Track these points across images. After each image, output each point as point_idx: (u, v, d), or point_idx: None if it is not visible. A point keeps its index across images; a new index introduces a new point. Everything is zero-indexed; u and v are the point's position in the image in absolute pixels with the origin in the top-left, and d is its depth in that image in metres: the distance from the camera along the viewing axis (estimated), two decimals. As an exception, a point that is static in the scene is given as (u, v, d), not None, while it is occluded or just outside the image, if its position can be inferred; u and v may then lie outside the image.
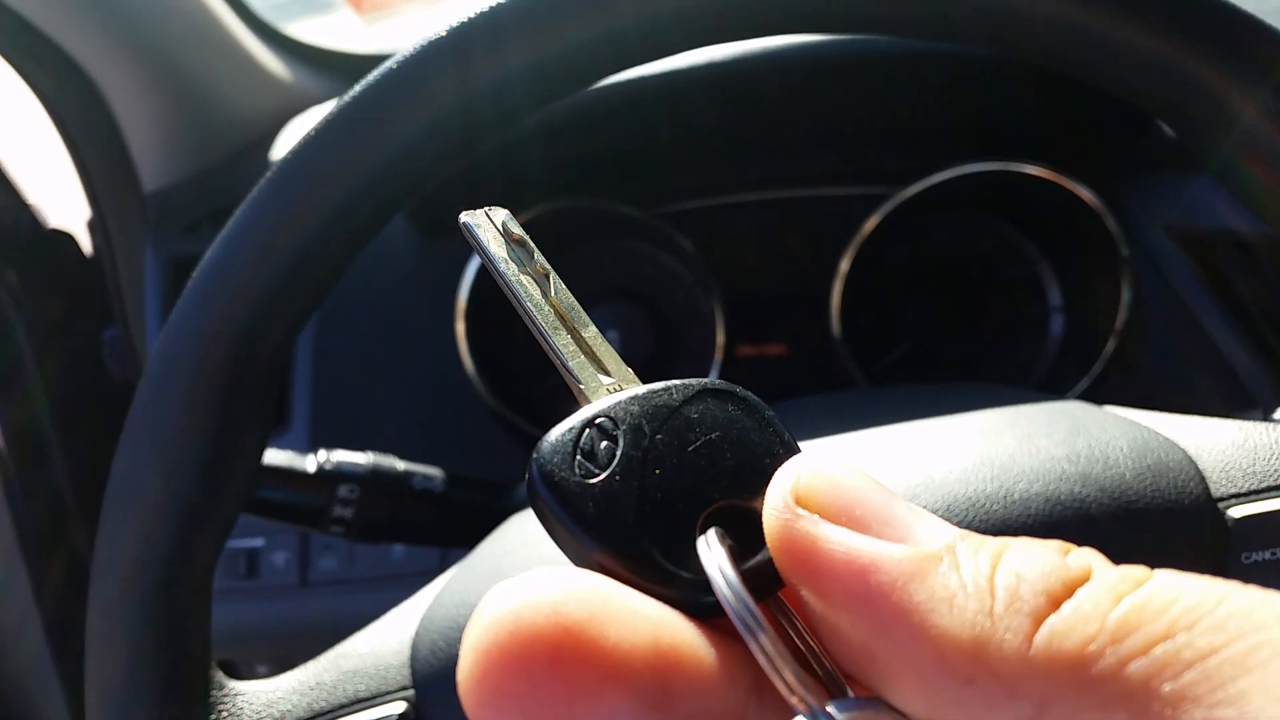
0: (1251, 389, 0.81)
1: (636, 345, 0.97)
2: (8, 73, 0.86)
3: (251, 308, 0.40)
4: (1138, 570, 0.16)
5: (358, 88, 0.41)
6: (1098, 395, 0.89)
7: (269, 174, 0.40)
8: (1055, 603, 0.16)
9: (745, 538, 0.20)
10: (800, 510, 0.18)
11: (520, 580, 0.18)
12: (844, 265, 0.93)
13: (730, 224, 0.98)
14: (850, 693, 0.18)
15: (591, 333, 0.24)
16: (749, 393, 0.22)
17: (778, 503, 0.19)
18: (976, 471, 0.42)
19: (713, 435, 0.21)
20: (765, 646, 0.17)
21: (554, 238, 0.95)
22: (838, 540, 0.18)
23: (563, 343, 0.24)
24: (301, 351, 0.92)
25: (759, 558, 0.20)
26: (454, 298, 0.90)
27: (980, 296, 0.99)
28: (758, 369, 1.00)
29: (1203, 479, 0.41)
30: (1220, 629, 0.15)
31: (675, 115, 0.88)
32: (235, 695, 0.41)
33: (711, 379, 0.22)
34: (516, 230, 0.25)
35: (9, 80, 0.87)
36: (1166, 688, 0.14)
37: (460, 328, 0.91)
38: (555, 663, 0.17)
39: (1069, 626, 0.15)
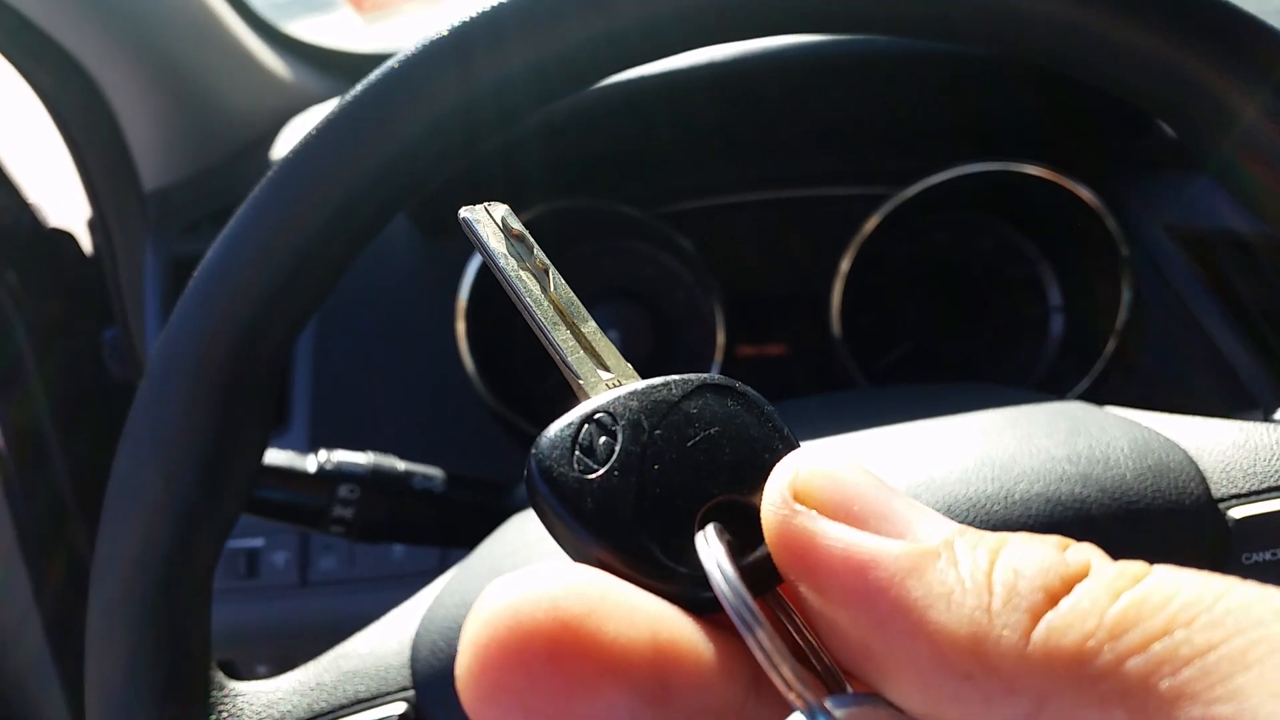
0: (1252, 389, 0.81)
1: (636, 345, 0.97)
2: (8, 71, 0.86)
3: (252, 307, 0.40)
4: (1136, 566, 0.16)
5: (359, 87, 0.41)
6: (1098, 395, 0.89)
7: (270, 173, 0.40)
8: (1053, 599, 0.16)
9: (744, 533, 0.20)
10: (798, 506, 0.18)
11: (519, 575, 0.18)
12: (844, 265, 0.93)
13: (730, 224, 0.98)
14: (849, 688, 0.18)
15: (591, 328, 0.24)
16: (748, 388, 0.22)
17: (775, 498, 0.19)
18: (977, 472, 0.42)
19: (712, 430, 0.21)
20: (763, 642, 0.17)
21: (554, 238, 0.95)
22: (835, 536, 0.18)
23: (562, 338, 0.24)
24: (302, 351, 0.92)
25: (758, 553, 0.20)
26: (454, 297, 0.90)
27: (980, 296, 0.99)
28: (758, 369, 1.00)
29: (1203, 479, 0.41)
30: (1218, 625, 0.15)
31: (675, 115, 0.88)
32: (235, 695, 0.41)
33: (711, 374, 0.22)
34: (516, 225, 0.25)
35: (9, 79, 0.87)
36: (1164, 684, 0.14)
37: (461, 327, 0.91)
38: (554, 657, 0.17)
39: (1067, 623, 0.15)
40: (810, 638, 0.19)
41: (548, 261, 0.25)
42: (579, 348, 0.24)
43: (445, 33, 0.40)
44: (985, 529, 0.19)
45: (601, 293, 0.98)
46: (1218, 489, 0.41)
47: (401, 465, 0.66)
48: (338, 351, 0.92)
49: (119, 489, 0.40)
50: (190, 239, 0.94)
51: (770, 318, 0.99)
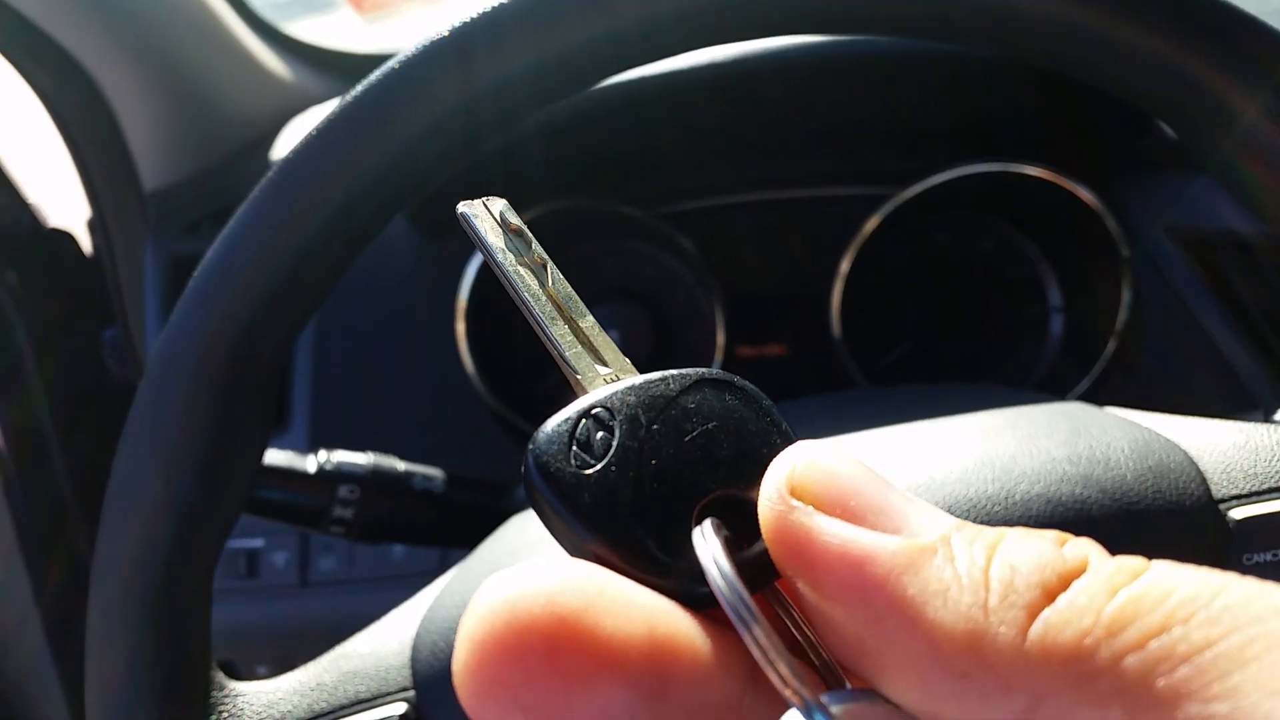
0: (1252, 390, 0.81)
1: (637, 345, 0.97)
2: (8, 72, 0.86)
3: (252, 308, 0.40)
4: (1134, 562, 0.16)
5: (359, 87, 0.41)
6: (1098, 396, 0.89)
7: (270, 173, 0.40)
8: (1050, 595, 0.16)
9: (742, 528, 0.20)
10: (794, 501, 0.18)
11: (516, 571, 0.18)
12: (844, 265, 0.93)
13: (731, 224, 0.98)
14: (847, 684, 0.18)
15: (589, 323, 0.24)
16: (746, 382, 0.22)
17: (772, 494, 0.19)
18: (977, 472, 0.42)
19: (710, 425, 0.21)
20: (759, 638, 0.17)
21: (555, 238, 0.95)
22: (832, 532, 0.18)
23: (560, 333, 0.24)
24: (302, 351, 0.91)
25: (755, 548, 0.19)
26: (454, 298, 0.90)
27: (981, 297, 0.99)
28: (758, 369, 1.00)
29: (1204, 480, 0.41)
30: (1216, 622, 0.15)
31: (676, 115, 0.88)
32: (235, 696, 0.41)
33: (709, 369, 0.22)
34: (514, 220, 0.25)
35: (9, 79, 0.87)
36: (1161, 682, 0.14)
37: (460, 328, 0.91)
38: (550, 653, 0.17)
39: (1064, 620, 0.15)
40: (809, 632, 0.19)
41: (546, 256, 0.25)
42: (577, 343, 0.24)
43: (445, 33, 0.40)
44: None
45: (602, 293, 0.98)
46: (1218, 490, 0.41)
47: (401, 465, 0.66)
48: (338, 352, 0.92)
49: (119, 489, 0.40)
50: (190, 239, 0.94)
51: (770, 318, 0.99)
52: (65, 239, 0.98)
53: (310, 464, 0.62)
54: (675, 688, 0.17)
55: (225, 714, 0.40)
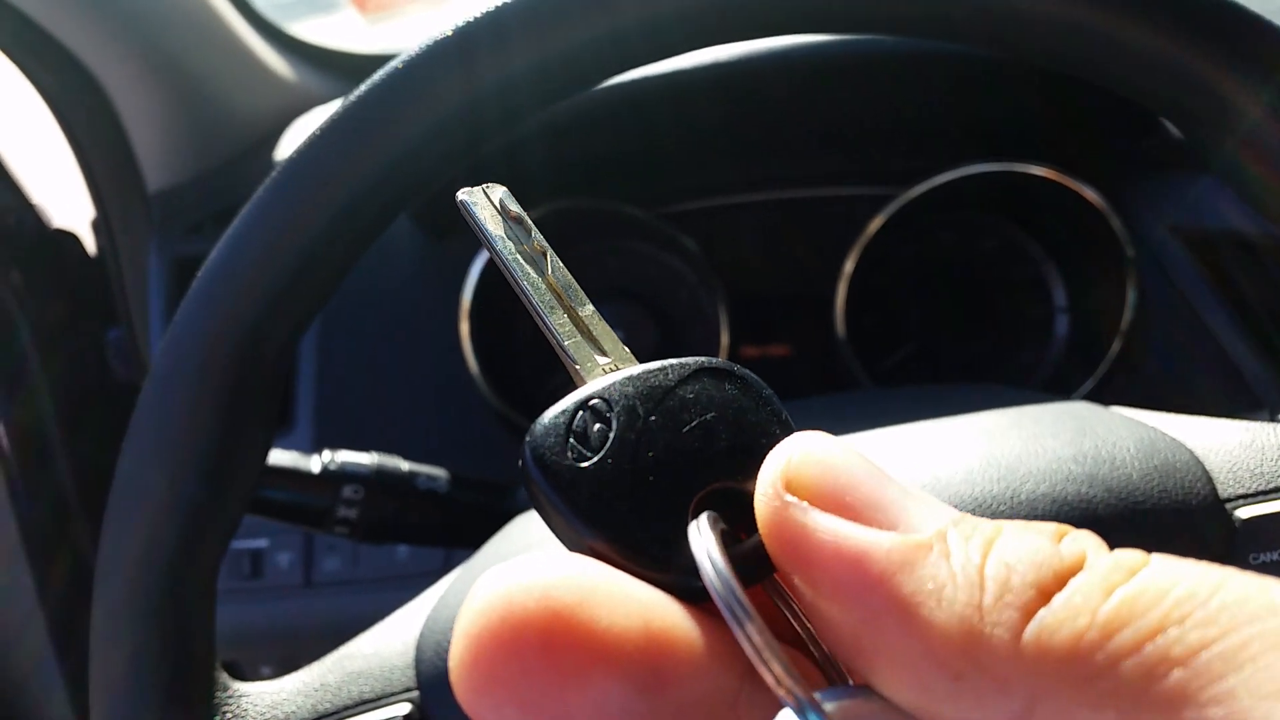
0: (1257, 390, 0.81)
1: (640, 346, 0.97)
2: (12, 72, 0.86)
3: (256, 308, 0.40)
4: (1132, 557, 0.16)
5: (363, 88, 0.41)
6: (1102, 396, 0.89)
7: (274, 174, 0.40)
8: (1046, 595, 0.16)
9: (741, 519, 0.20)
10: (789, 497, 0.18)
11: (511, 565, 0.18)
12: (848, 266, 0.93)
13: (734, 224, 0.98)
14: (848, 679, 0.18)
15: (589, 311, 0.24)
16: (746, 370, 0.22)
17: (767, 488, 0.19)
18: (983, 472, 0.42)
19: (708, 415, 0.21)
20: (752, 636, 0.17)
21: (557, 238, 0.94)
22: (827, 529, 0.17)
23: (559, 322, 0.23)
24: (306, 352, 0.92)
25: (753, 540, 0.19)
26: (458, 298, 0.90)
27: (985, 297, 0.98)
28: (762, 370, 0.99)
29: (1210, 480, 0.41)
30: (1212, 622, 0.14)
31: (679, 115, 0.88)
32: (240, 696, 0.41)
33: (709, 358, 0.22)
34: (514, 208, 0.25)
35: (13, 80, 0.87)
36: (1157, 686, 0.14)
37: (465, 328, 0.91)
38: (545, 648, 0.17)
39: (1059, 620, 0.15)
40: (809, 625, 0.19)
41: (546, 244, 0.24)
42: (576, 332, 0.23)
43: (448, 33, 0.40)
44: None
45: (605, 293, 0.98)
46: (1224, 489, 0.41)
47: (406, 466, 0.66)
48: (342, 352, 0.92)
49: (123, 489, 0.40)
50: (194, 240, 0.94)
51: (774, 318, 0.99)
52: (69, 240, 0.98)
53: (314, 464, 0.62)
54: (671, 682, 0.17)
55: (229, 714, 0.40)
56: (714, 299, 0.95)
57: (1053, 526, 0.17)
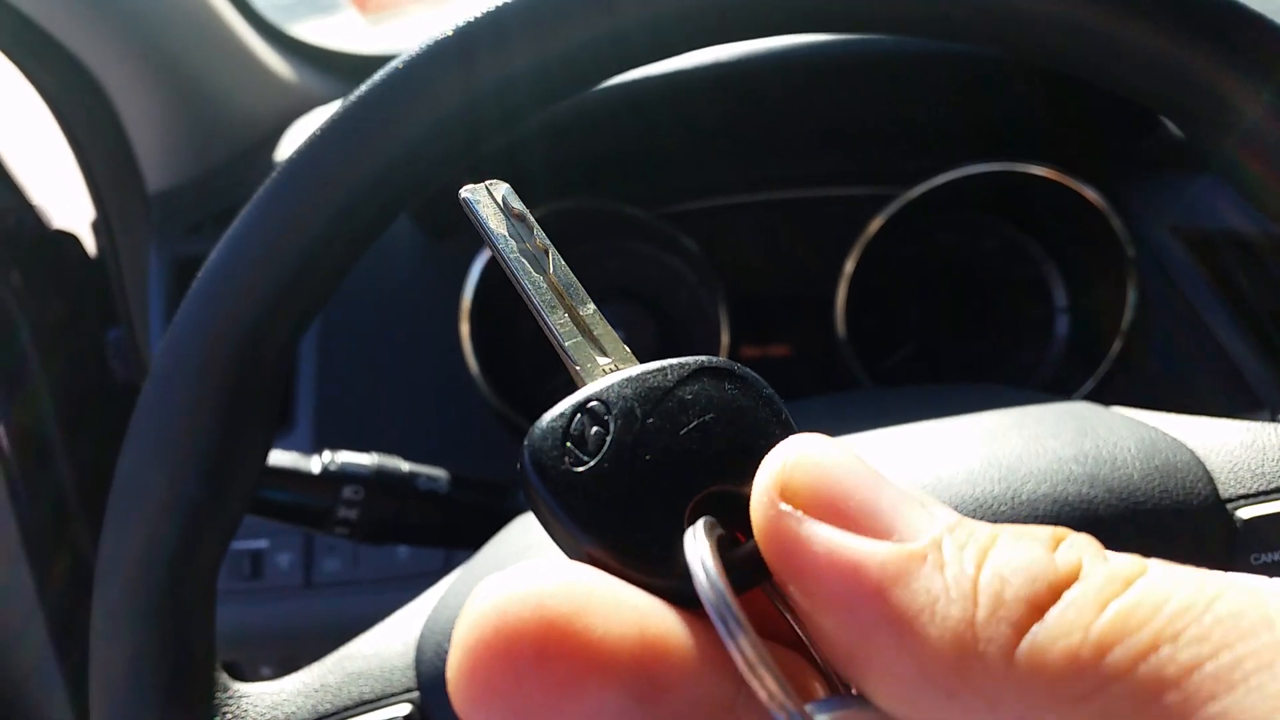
0: (1257, 390, 0.81)
1: (640, 346, 0.97)
2: (12, 73, 0.86)
3: (256, 308, 0.40)
4: (1128, 566, 0.16)
5: (363, 88, 0.41)
6: (1103, 396, 0.89)
7: (274, 175, 0.40)
8: (1039, 610, 0.15)
9: (739, 522, 0.20)
10: (784, 505, 0.18)
11: (506, 574, 0.18)
12: (849, 266, 0.93)
13: (734, 224, 0.98)
14: (849, 686, 0.18)
15: (590, 311, 0.24)
16: (747, 369, 0.22)
17: (762, 496, 0.18)
18: (984, 473, 0.42)
19: (707, 417, 0.21)
20: (744, 650, 0.17)
21: (557, 238, 0.94)
22: (821, 539, 0.17)
23: (559, 321, 0.23)
24: (306, 352, 0.92)
25: (750, 545, 0.19)
26: (459, 299, 0.90)
27: (985, 297, 0.98)
28: (762, 370, 0.99)
29: (1211, 480, 0.41)
30: (1205, 639, 0.14)
31: (679, 115, 0.88)
32: (240, 697, 0.41)
33: (709, 357, 0.22)
34: (517, 205, 0.24)
35: (13, 80, 0.87)
36: (1149, 709, 0.14)
37: (465, 329, 0.90)
38: (540, 658, 0.17)
39: (1052, 638, 0.15)
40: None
41: (548, 242, 0.24)
42: (576, 332, 0.23)
43: (448, 33, 0.40)
44: None
45: (605, 293, 0.98)
46: (1225, 489, 0.41)
47: (406, 466, 0.65)
48: (342, 353, 0.92)
49: (123, 490, 0.40)
50: (194, 240, 0.94)
51: (775, 318, 0.99)
52: (69, 240, 0.98)
53: (315, 465, 0.62)
54: (667, 689, 0.17)
55: (229, 715, 0.40)
56: (714, 299, 0.95)
57: (1049, 532, 0.17)
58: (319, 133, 0.40)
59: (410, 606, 0.47)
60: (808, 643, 0.19)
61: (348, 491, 0.62)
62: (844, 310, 0.94)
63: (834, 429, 0.50)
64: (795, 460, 0.19)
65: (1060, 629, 0.15)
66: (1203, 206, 0.84)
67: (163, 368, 0.40)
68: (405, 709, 0.41)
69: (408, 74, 0.40)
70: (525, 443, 0.20)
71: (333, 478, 0.62)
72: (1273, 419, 0.79)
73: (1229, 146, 0.41)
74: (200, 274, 0.41)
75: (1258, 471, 0.41)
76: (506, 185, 0.25)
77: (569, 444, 0.20)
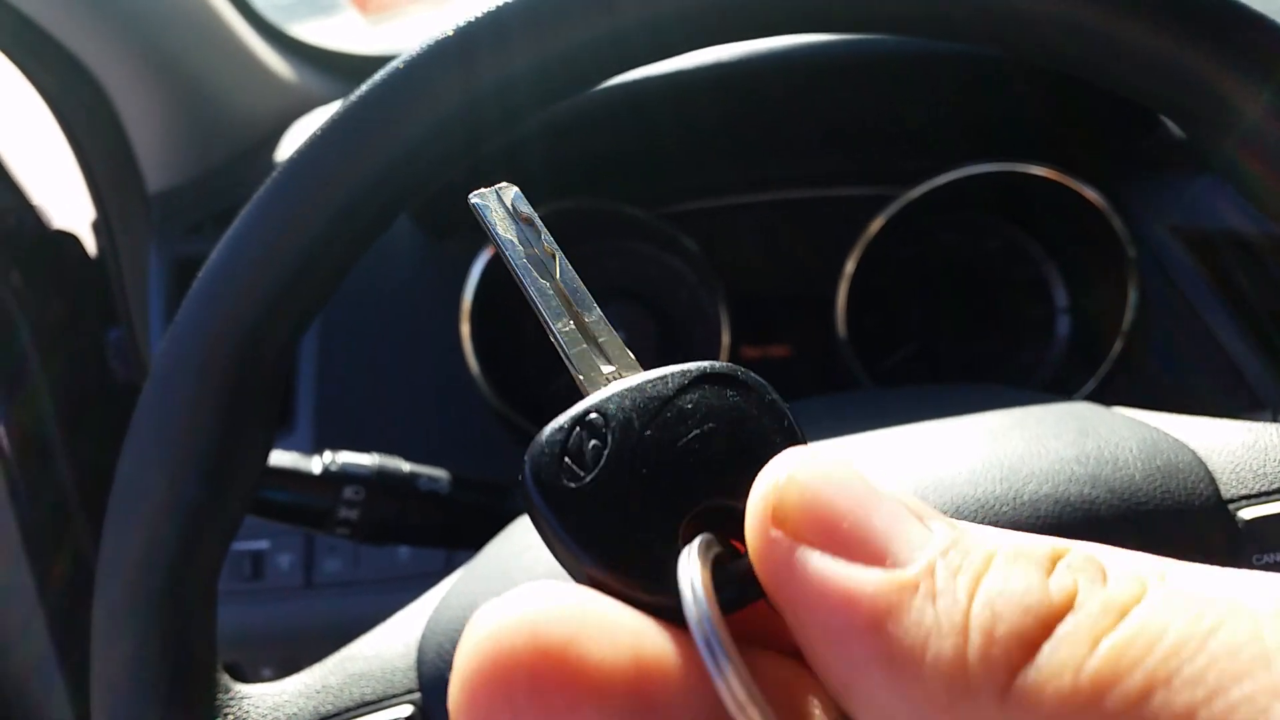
0: (1258, 391, 0.81)
1: (640, 347, 0.97)
2: (12, 73, 0.86)
3: (256, 309, 0.40)
4: (1124, 592, 0.15)
5: (363, 88, 0.41)
6: (1103, 397, 0.89)
7: (274, 175, 0.40)
8: (1032, 647, 0.15)
9: (739, 534, 0.19)
10: (774, 532, 0.18)
11: (501, 601, 0.18)
12: (849, 266, 0.93)
13: (735, 225, 0.98)
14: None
15: (595, 317, 0.23)
16: (750, 374, 0.21)
17: (754, 521, 0.18)
18: (985, 473, 0.42)
19: (707, 426, 0.20)
20: (731, 687, 0.16)
21: (558, 238, 0.94)
22: (813, 569, 0.17)
23: (564, 329, 0.23)
24: (306, 353, 0.92)
25: (746, 561, 0.19)
26: (459, 299, 0.90)
27: (986, 297, 0.98)
28: (762, 370, 0.99)
29: (1213, 480, 0.41)
30: (1200, 681, 0.14)
31: (679, 115, 0.88)
32: (241, 698, 0.41)
33: (712, 363, 0.21)
34: (525, 209, 0.24)
35: (13, 81, 0.87)
36: None
37: (465, 329, 0.90)
38: (534, 688, 0.17)
39: (1043, 679, 0.15)
40: None
41: (556, 247, 0.24)
42: (581, 339, 0.23)
43: (449, 33, 0.40)
44: None
45: (605, 293, 0.98)
46: (1227, 490, 0.41)
47: (406, 467, 0.65)
48: (342, 353, 0.92)
49: (123, 490, 0.40)
50: (194, 240, 0.94)
51: (775, 319, 0.99)
52: (69, 240, 0.98)
53: (315, 465, 0.62)
54: (663, 712, 0.17)
55: (231, 716, 0.40)
56: (715, 299, 0.95)
57: (1047, 550, 0.17)
58: (319, 133, 0.40)
59: (412, 607, 0.47)
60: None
61: (348, 492, 0.62)
62: (844, 310, 0.94)
63: (834, 429, 0.50)
64: (786, 479, 0.18)
65: (1052, 669, 0.15)
66: (1203, 206, 0.84)
67: (163, 368, 0.40)
68: (407, 710, 0.41)
69: (408, 74, 0.40)
70: (525, 457, 0.20)
71: (333, 478, 0.62)
72: (1274, 419, 0.79)
73: (1229, 146, 0.41)
74: (200, 274, 0.41)
75: (1259, 472, 0.41)
76: (516, 189, 0.25)
77: (566, 459, 0.20)
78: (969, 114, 0.93)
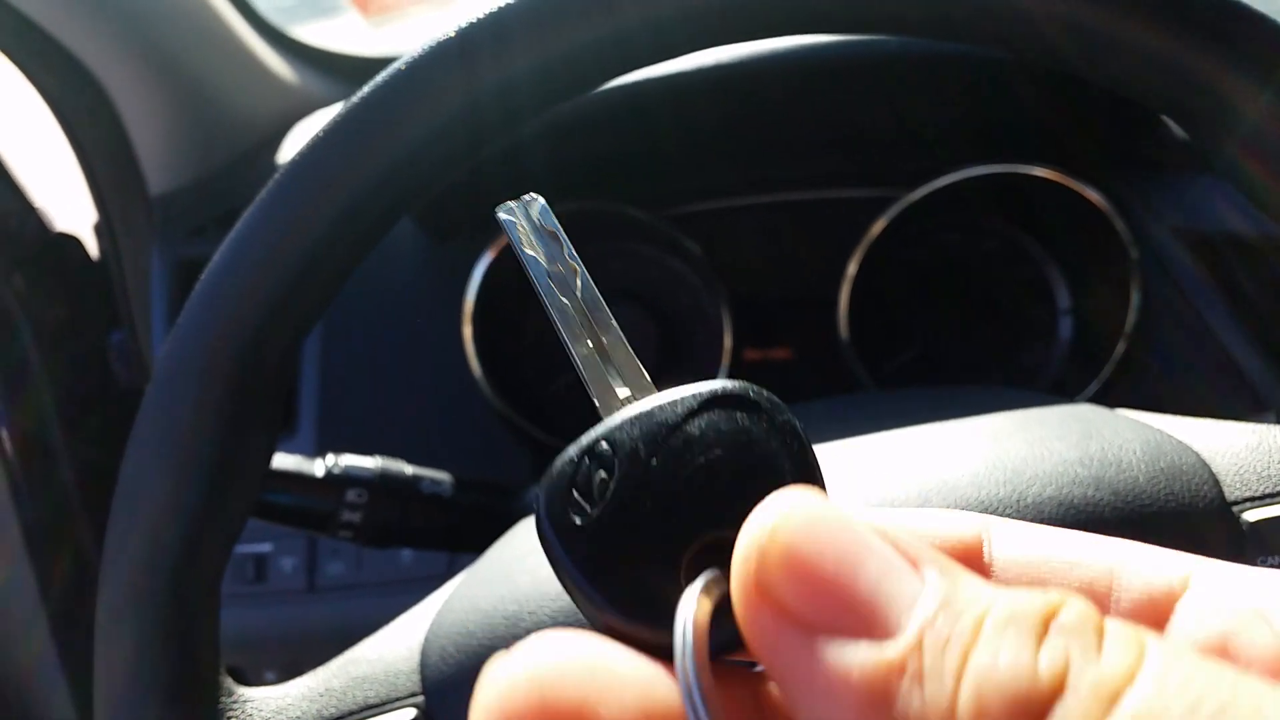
0: (1261, 392, 0.80)
1: (641, 349, 0.96)
2: (14, 74, 0.86)
3: (259, 311, 0.40)
4: (1118, 669, 0.15)
5: (365, 90, 0.41)
6: (1106, 398, 0.89)
7: (276, 177, 0.40)
8: None
9: None
10: (759, 604, 0.17)
11: (511, 656, 0.17)
12: (851, 268, 0.93)
13: (736, 226, 0.98)
14: None
15: (613, 338, 0.23)
16: (762, 393, 0.20)
17: (738, 587, 0.17)
18: (989, 475, 0.42)
19: (714, 453, 0.19)
20: None
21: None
22: (800, 646, 0.16)
23: (582, 352, 0.23)
24: (309, 355, 0.92)
25: None
26: (461, 301, 0.90)
27: (988, 299, 0.98)
28: (765, 373, 0.99)
29: (1217, 482, 0.41)
30: None
31: (681, 117, 0.88)
32: (244, 701, 0.41)
33: (723, 384, 0.21)
34: (550, 224, 0.24)
35: (15, 82, 0.87)
36: None
37: (468, 331, 0.90)
38: None
39: None
40: None
41: (578, 262, 0.24)
42: (597, 362, 0.22)
43: (450, 35, 0.40)
44: None
45: (607, 295, 0.98)
46: (1231, 492, 0.41)
47: (409, 469, 0.65)
48: (345, 355, 0.92)
49: (126, 493, 0.40)
50: (196, 242, 0.94)
51: (777, 321, 0.99)
52: (71, 243, 0.98)
53: (318, 468, 0.62)
54: None
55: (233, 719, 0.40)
56: (717, 301, 0.95)
57: (1039, 610, 0.16)
58: (321, 135, 0.40)
59: (415, 610, 0.47)
60: None
61: (351, 495, 0.62)
62: (847, 312, 0.93)
63: (838, 432, 0.50)
64: (768, 537, 0.17)
65: None
66: (1205, 207, 0.84)
67: (166, 371, 0.40)
68: (410, 713, 0.41)
69: (409, 76, 0.40)
70: (539, 490, 0.20)
71: (336, 481, 0.62)
72: (1277, 421, 0.79)
73: (1230, 147, 0.41)
74: (203, 277, 0.41)
75: (1264, 474, 0.41)
76: (541, 201, 0.24)
77: (575, 493, 0.19)
78: (970, 115, 0.93)
